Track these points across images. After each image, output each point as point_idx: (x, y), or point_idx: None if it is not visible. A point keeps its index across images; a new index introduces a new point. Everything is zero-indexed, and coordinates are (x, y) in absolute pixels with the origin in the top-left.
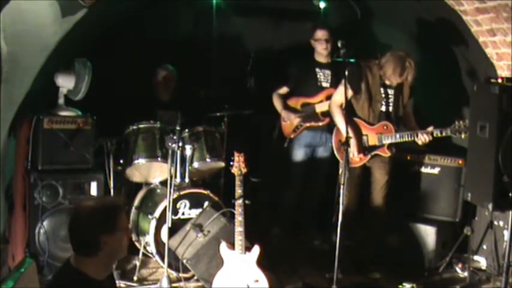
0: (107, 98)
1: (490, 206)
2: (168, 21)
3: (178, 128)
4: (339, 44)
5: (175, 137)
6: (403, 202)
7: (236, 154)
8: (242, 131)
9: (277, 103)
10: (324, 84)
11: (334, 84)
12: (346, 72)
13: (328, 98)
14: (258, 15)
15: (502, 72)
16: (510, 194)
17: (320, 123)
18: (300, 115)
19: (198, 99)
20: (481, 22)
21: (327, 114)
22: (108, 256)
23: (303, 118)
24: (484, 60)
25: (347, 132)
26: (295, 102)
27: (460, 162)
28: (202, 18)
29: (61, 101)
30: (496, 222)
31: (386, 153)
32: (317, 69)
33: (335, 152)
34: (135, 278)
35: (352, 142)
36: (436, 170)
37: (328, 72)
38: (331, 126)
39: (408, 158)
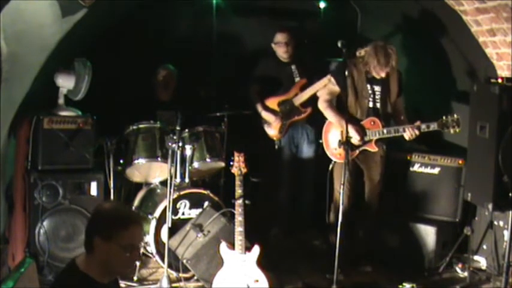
0: (107, 97)
1: (490, 206)
2: (168, 21)
3: (178, 128)
4: (339, 44)
5: (175, 137)
6: (403, 202)
7: (236, 154)
8: (242, 131)
9: (257, 105)
10: (296, 80)
11: (304, 75)
12: (346, 72)
13: (303, 89)
14: (258, 15)
15: (502, 72)
16: (510, 194)
17: (303, 115)
18: (280, 115)
19: (198, 99)
20: (481, 22)
21: (307, 104)
22: (100, 260)
23: (285, 116)
24: (484, 60)
25: (347, 132)
26: (272, 102)
27: (460, 162)
28: (202, 18)
29: (61, 101)
30: (496, 222)
31: (373, 149)
32: (286, 67)
33: (325, 149)
34: (135, 278)
35: (350, 129)
36: (436, 170)
37: (293, 66)
38: (310, 120)
39: (408, 158)
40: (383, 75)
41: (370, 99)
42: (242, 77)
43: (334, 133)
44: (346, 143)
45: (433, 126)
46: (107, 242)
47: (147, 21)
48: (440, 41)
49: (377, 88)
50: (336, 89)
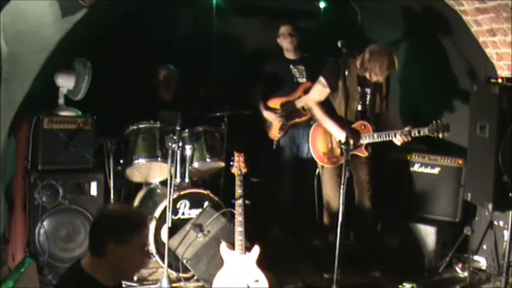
0: (107, 98)
1: (490, 206)
2: (168, 21)
3: (178, 128)
4: (339, 44)
5: (175, 137)
6: (403, 202)
7: (236, 154)
8: (242, 131)
9: (259, 104)
10: (300, 80)
11: (310, 78)
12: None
13: (306, 91)
14: (258, 15)
15: (502, 72)
16: (510, 194)
17: (304, 118)
18: (281, 114)
19: (198, 99)
20: (481, 22)
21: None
22: (112, 264)
23: (286, 117)
24: (484, 60)
25: (347, 132)
26: (275, 103)
27: (460, 162)
28: (202, 18)
29: (61, 101)
30: (496, 222)
31: (364, 154)
32: (291, 66)
33: (312, 153)
34: (135, 278)
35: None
36: (436, 170)
37: (301, 67)
38: (310, 123)
39: (408, 158)
40: (381, 79)
41: (360, 101)
42: (246, 76)
43: (321, 137)
44: (346, 143)
45: (424, 131)
46: (121, 245)
47: (147, 21)
48: (441, 41)
49: (368, 91)
50: (326, 89)
